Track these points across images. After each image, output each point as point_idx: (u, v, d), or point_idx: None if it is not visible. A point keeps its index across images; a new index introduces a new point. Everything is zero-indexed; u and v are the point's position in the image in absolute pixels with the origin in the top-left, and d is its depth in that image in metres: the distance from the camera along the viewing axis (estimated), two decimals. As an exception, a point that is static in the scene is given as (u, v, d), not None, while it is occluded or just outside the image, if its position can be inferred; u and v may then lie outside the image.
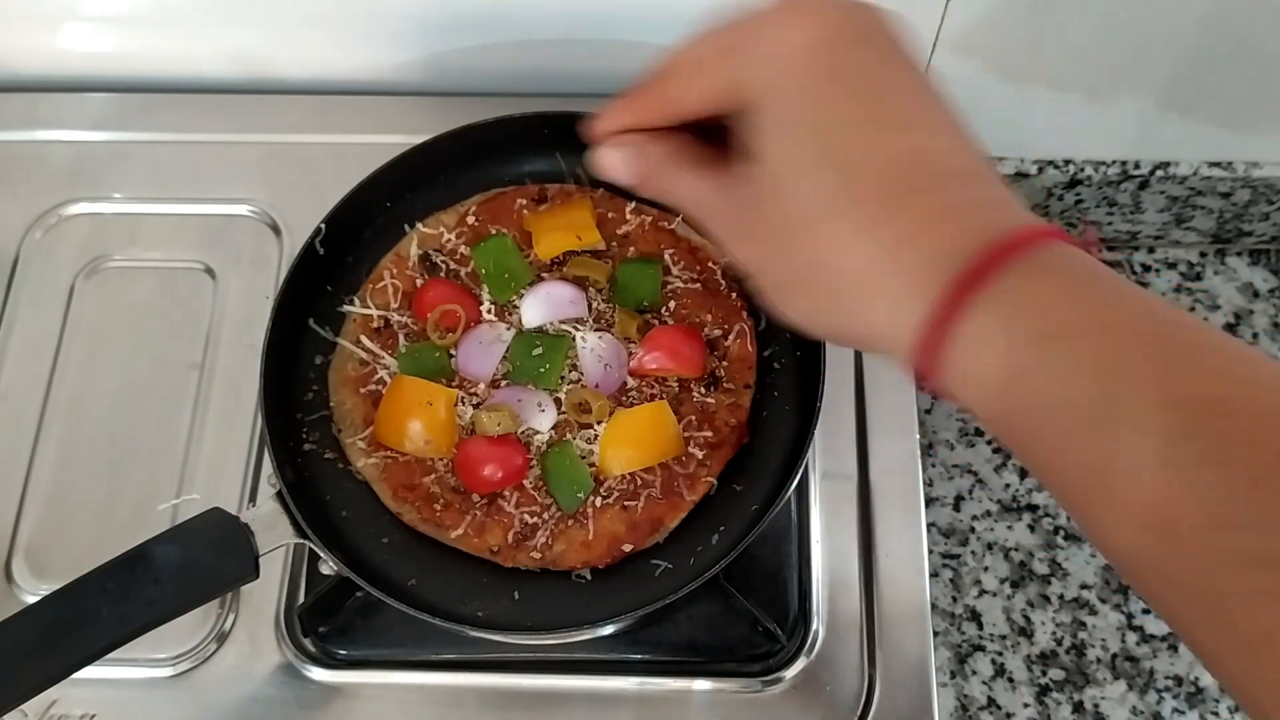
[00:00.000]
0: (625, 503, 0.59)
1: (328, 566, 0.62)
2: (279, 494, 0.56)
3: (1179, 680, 0.71)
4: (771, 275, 0.38)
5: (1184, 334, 0.32)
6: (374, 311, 0.63)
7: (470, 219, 0.66)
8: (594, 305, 0.63)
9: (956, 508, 0.76)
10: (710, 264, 0.65)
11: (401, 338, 0.63)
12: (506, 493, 0.59)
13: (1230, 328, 0.83)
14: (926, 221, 0.33)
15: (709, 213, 0.39)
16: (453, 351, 0.62)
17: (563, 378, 0.61)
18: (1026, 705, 0.71)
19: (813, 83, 0.35)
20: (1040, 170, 0.80)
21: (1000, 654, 0.72)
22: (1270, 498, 0.28)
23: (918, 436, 0.66)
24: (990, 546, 0.75)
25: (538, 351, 0.61)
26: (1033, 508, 0.76)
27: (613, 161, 0.42)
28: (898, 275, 0.33)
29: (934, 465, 0.77)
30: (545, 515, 0.59)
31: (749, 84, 0.37)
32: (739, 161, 0.38)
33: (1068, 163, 0.80)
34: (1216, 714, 0.69)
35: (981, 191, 0.35)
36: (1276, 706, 0.28)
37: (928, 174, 0.34)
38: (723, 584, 0.59)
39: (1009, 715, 0.71)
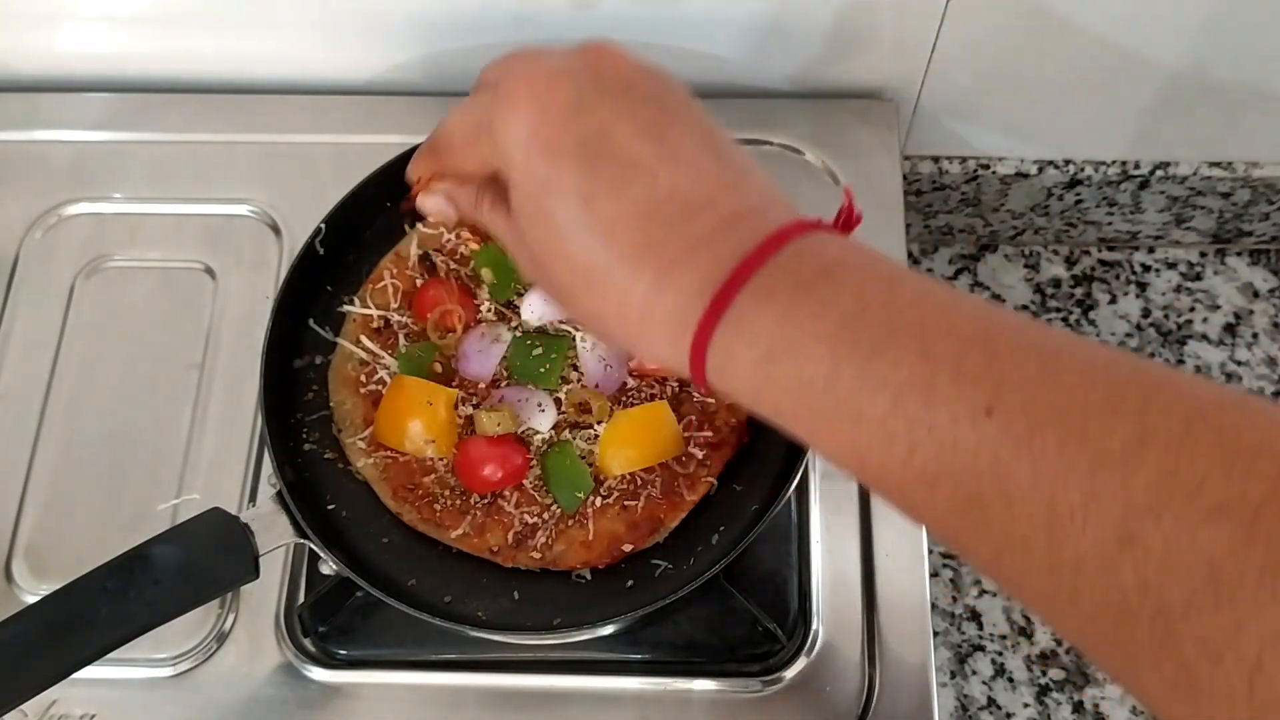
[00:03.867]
0: (625, 503, 0.59)
1: (328, 566, 0.62)
2: (279, 494, 0.56)
3: (1179, 680, 0.71)
4: (568, 312, 0.41)
5: (909, 299, 0.33)
6: (374, 311, 0.63)
7: (470, 219, 0.66)
8: (594, 305, 0.63)
9: (956, 508, 0.76)
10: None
11: (401, 338, 0.63)
12: (506, 493, 0.59)
13: (1230, 328, 0.84)
14: (679, 260, 0.35)
15: (511, 248, 0.42)
16: (452, 352, 0.62)
17: (563, 378, 0.61)
18: (1026, 705, 0.71)
19: (543, 169, 0.37)
20: (1040, 170, 0.80)
21: (1000, 654, 0.72)
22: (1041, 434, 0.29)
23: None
24: (990, 546, 0.75)
25: (538, 351, 0.61)
26: (1033, 508, 0.76)
27: (434, 208, 0.46)
28: (664, 320, 0.36)
29: (934, 465, 0.77)
30: (545, 515, 0.59)
31: (501, 167, 0.39)
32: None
33: (1068, 163, 0.80)
34: (1216, 714, 0.69)
35: (735, 206, 0.36)
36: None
37: (679, 210, 0.36)
38: (723, 584, 0.59)
39: (1009, 715, 0.71)
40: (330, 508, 0.60)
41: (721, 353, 0.35)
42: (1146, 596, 0.27)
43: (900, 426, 0.31)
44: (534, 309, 0.63)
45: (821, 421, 0.34)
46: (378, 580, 0.56)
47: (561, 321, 0.63)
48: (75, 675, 0.49)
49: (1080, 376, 0.30)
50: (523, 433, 0.60)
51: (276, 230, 0.74)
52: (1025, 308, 0.85)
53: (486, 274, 0.64)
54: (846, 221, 0.39)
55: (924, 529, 0.64)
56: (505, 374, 0.62)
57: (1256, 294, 0.85)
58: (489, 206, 0.43)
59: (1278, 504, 0.25)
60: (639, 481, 0.59)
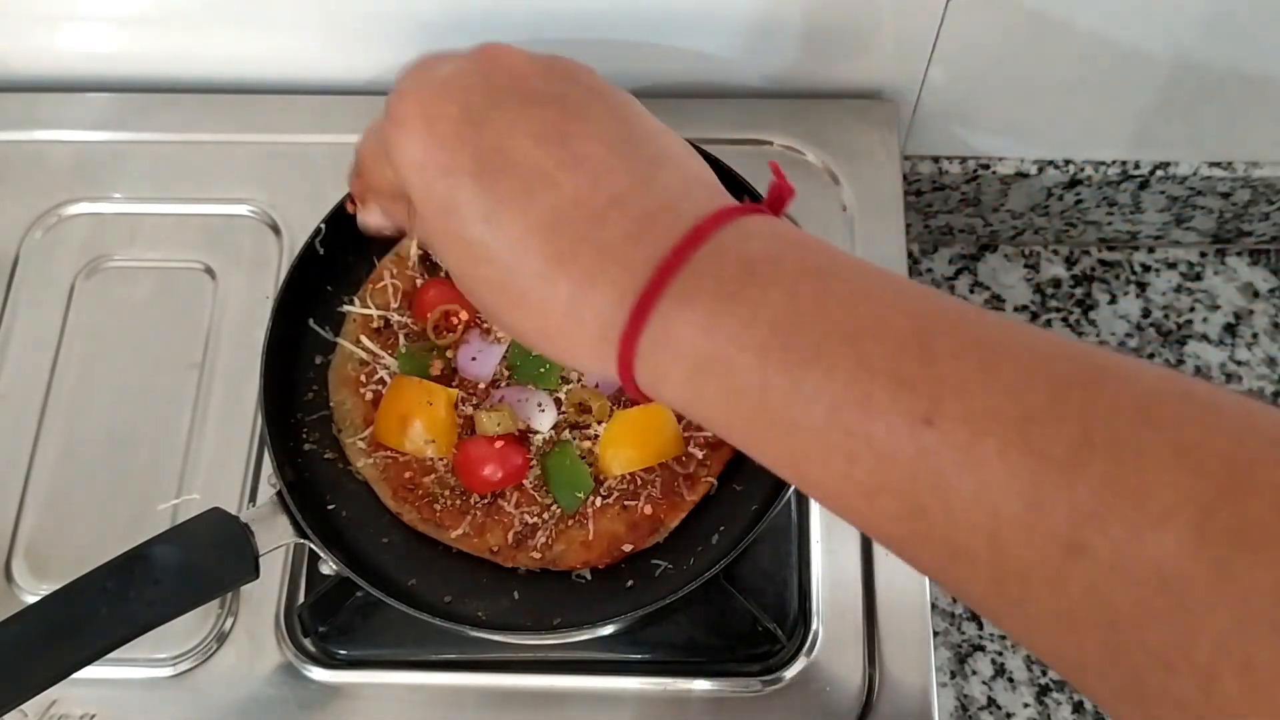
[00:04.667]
0: (625, 503, 0.59)
1: (328, 566, 0.62)
2: (279, 494, 0.56)
3: (1179, 680, 0.71)
4: (498, 327, 0.40)
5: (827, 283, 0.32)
6: (374, 311, 0.64)
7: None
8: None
9: (956, 508, 0.76)
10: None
11: (401, 338, 0.63)
12: (506, 493, 0.59)
13: (1230, 328, 0.84)
14: (593, 270, 0.33)
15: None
16: (452, 352, 0.62)
17: (563, 378, 0.61)
18: (1026, 705, 0.71)
19: (441, 192, 0.35)
20: (1040, 170, 0.80)
21: (1000, 654, 0.72)
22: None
23: (918, 436, 0.66)
24: (990, 546, 0.75)
25: (538, 351, 0.61)
26: (1033, 508, 0.76)
27: (373, 223, 0.46)
28: (586, 336, 0.34)
29: (934, 465, 0.77)
30: (545, 515, 0.59)
31: (404, 190, 0.38)
32: None
33: (1068, 163, 0.80)
34: (1216, 714, 0.69)
35: (647, 204, 0.34)
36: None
37: (586, 217, 0.34)
38: (723, 584, 0.59)
39: (1009, 715, 0.71)
40: (330, 508, 0.60)
41: (648, 366, 0.33)
42: (1095, 606, 0.26)
43: (837, 438, 0.30)
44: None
45: (756, 434, 0.32)
46: (378, 580, 0.56)
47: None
48: (75, 675, 0.49)
49: (1022, 375, 0.28)
50: (522, 433, 0.60)
51: (276, 230, 0.74)
52: (1025, 308, 0.85)
53: None
54: (778, 197, 0.36)
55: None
56: (505, 374, 0.62)
57: (1256, 294, 0.85)
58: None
59: (1227, 504, 0.25)
60: (639, 481, 0.59)
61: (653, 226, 0.33)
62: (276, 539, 0.54)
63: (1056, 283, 0.86)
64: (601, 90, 0.37)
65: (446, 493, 0.59)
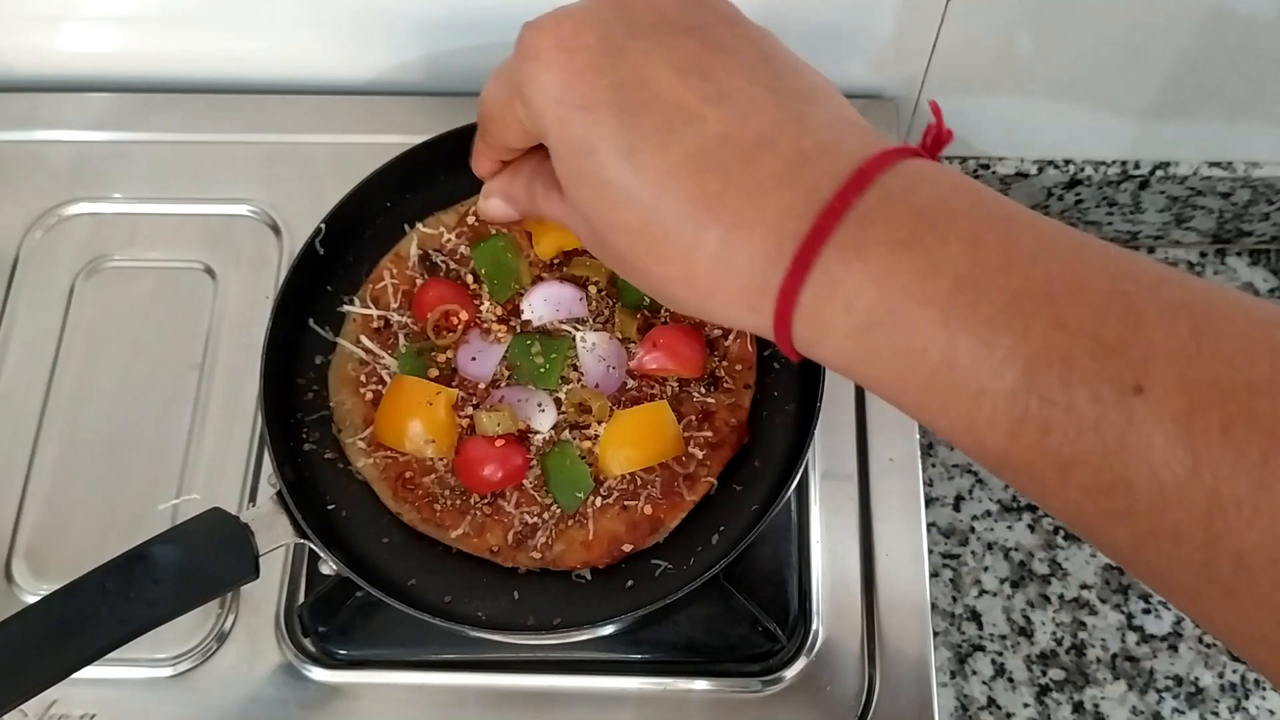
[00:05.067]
0: (625, 503, 0.59)
1: (328, 566, 0.62)
2: (279, 494, 0.56)
3: (1179, 680, 0.71)
4: (635, 283, 0.36)
5: (1031, 255, 0.29)
6: (374, 311, 0.63)
7: (470, 219, 0.66)
8: (594, 305, 0.63)
9: (956, 508, 0.76)
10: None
11: (401, 338, 0.63)
12: (506, 493, 0.59)
13: (1230, 328, 0.84)
14: (744, 214, 0.31)
15: (573, 229, 0.39)
16: (452, 352, 0.62)
17: (563, 378, 0.61)
18: (1026, 705, 0.71)
19: (579, 128, 0.33)
20: (1040, 170, 0.80)
21: (1000, 654, 0.72)
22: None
23: (918, 436, 0.66)
24: (990, 546, 0.75)
25: (537, 351, 0.61)
26: (1033, 508, 0.76)
27: (493, 212, 0.44)
28: (737, 284, 0.32)
29: (934, 465, 0.77)
30: (545, 515, 0.59)
31: (536, 132, 0.36)
32: None
33: (1068, 163, 0.80)
34: (1216, 714, 0.70)
35: (801, 144, 0.32)
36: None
37: (735, 156, 0.31)
38: (723, 584, 0.59)
39: (1009, 715, 0.71)
40: (330, 508, 0.60)
41: (810, 320, 0.31)
42: None
43: (1032, 405, 0.27)
44: (534, 309, 0.63)
45: (934, 397, 0.29)
46: (378, 580, 0.56)
47: (561, 321, 0.63)
48: (75, 675, 0.49)
49: (1241, 344, 0.26)
50: (522, 433, 0.60)
51: (276, 230, 0.74)
52: (1025, 308, 0.85)
53: (486, 273, 0.64)
54: (936, 140, 0.34)
55: (924, 529, 0.64)
56: (505, 374, 0.62)
57: (1256, 294, 0.85)
58: (541, 195, 0.40)
59: None
60: (639, 481, 0.59)
61: (809, 167, 0.31)
62: (276, 539, 0.54)
63: (1056, 283, 0.86)
64: (740, 21, 0.35)
65: (446, 493, 0.59)
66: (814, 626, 0.61)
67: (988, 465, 0.30)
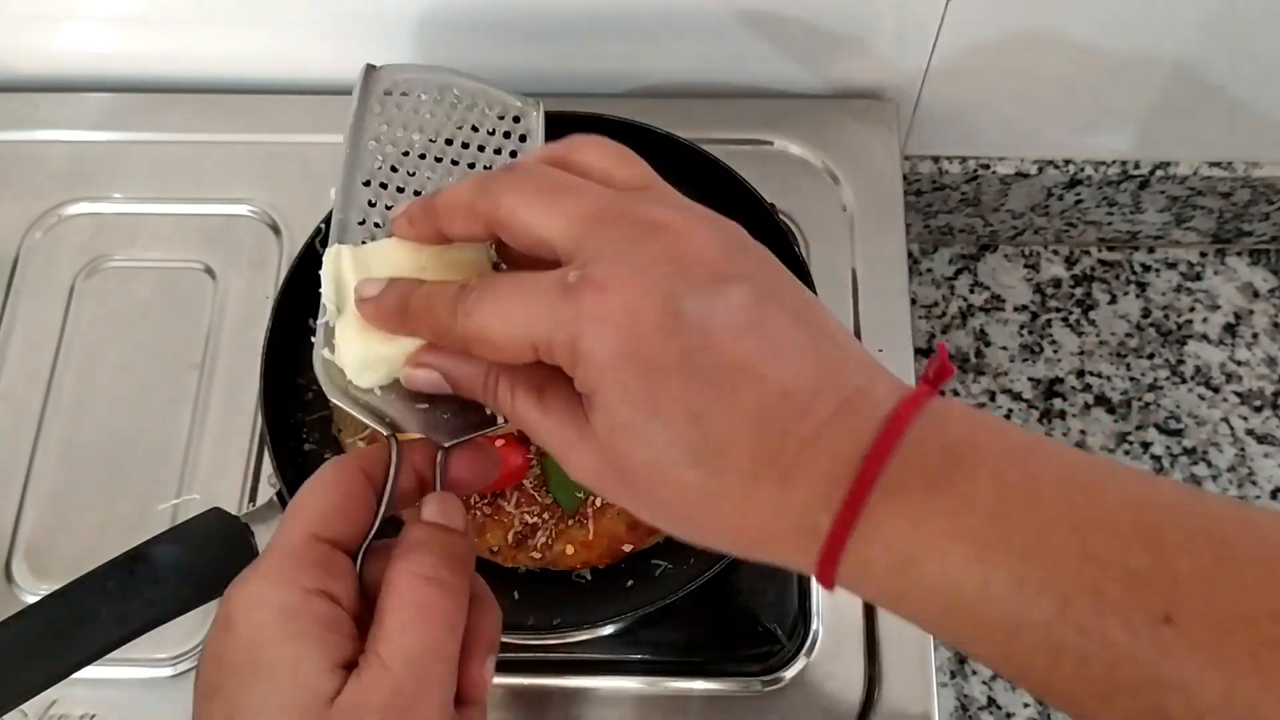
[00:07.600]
0: (625, 503, 0.59)
1: (328, 566, 0.62)
2: (279, 494, 0.56)
3: (1179, 680, 0.71)
4: (667, 528, 0.36)
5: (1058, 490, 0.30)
6: (374, 311, 0.63)
7: (470, 219, 0.66)
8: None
9: (956, 508, 0.76)
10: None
11: (401, 338, 0.63)
12: (506, 493, 0.59)
13: (1230, 328, 0.84)
14: (797, 463, 0.32)
15: (574, 460, 0.36)
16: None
17: (563, 378, 0.61)
18: (1026, 705, 0.71)
19: (642, 389, 0.32)
20: (1040, 170, 0.80)
21: (1000, 654, 0.72)
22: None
23: (918, 436, 0.66)
24: (990, 546, 0.75)
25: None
26: (1033, 508, 0.76)
27: (421, 380, 0.40)
28: (789, 531, 0.32)
29: (934, 465, 0.77)
30: (545, 515, 0.59)
31: (583, 384, 0.34)
32: (581, 406, 0.35)
33: (1068, 163, 0.80)
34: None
35: (842, 391, 0.33)
36: None
37: (792, 410, 0.32)
38: (723, 584, 0.59)
39: (1009, 715, 0.71)
40: (330, 508, 0.60)
41: (856, 561, 0.32)
42: None
43: (1068, 637, 0.28)
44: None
45: (972, 629, 0.30)
46: (378, 580, 0.56)
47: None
48: (75, 675, 0.49)
49: (1262, 570, 0.27)
50: (522, 433, 0.60)
51: (276, 230, 0.74)
52: (1025, 308, 0.85)
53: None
54: (939, 374, 0.35)
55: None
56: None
57: (1256, 294, 0.85)
58: (521, 399, 0.37)
59: None
60: (639, 481, 0.59)
61: (852, 416, 0.32)
62: (276, 539, 0.54)
63: (1056, 282, 0.86)
64: (774, 261, 0.35)
65: (446, 493, 0.59)
66: (814, 626, 0.61)
67: (1032, 691, 0.31)
